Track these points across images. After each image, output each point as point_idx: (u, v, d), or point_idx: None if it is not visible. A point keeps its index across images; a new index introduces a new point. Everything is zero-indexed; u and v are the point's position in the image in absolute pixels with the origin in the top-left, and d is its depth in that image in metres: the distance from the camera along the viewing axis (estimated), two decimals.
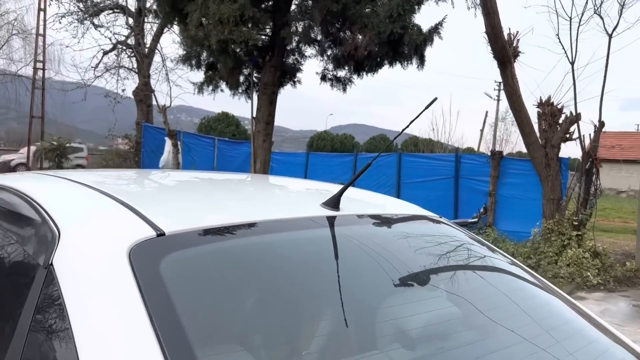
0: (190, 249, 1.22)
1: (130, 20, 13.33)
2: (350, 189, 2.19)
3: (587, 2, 8.78)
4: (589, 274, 8.24)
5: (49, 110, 17.16)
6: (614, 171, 32.67)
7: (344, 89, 8.45)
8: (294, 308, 1.34)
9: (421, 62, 7.23)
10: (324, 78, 8.38)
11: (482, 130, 17.09)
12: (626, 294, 8.00)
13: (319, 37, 7.52)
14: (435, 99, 1.56)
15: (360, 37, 6.91)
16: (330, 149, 43.71)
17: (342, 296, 1.30)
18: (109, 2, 13.30)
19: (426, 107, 1.57)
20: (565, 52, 9.20)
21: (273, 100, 7.95)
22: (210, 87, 8.28)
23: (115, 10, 13.58)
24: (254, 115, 7.96)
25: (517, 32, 9.88)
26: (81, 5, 13.49)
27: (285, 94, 8.97)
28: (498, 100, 28.77)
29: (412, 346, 1.24)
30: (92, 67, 13.40)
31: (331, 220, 1.51)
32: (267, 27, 7.14)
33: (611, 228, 16.69)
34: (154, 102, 12.47)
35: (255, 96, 8.10)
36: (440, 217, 2.02)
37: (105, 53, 13.16)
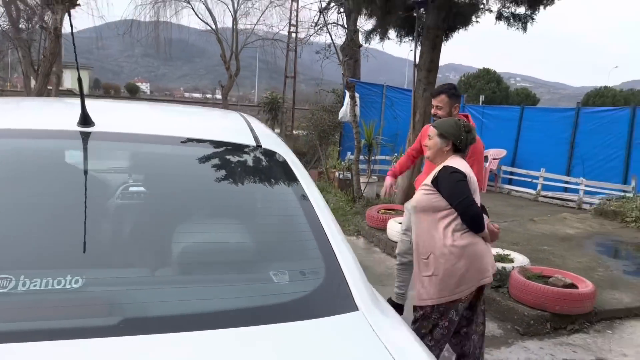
0: None
1: None
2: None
3: None
4: None
5: (302, 69, 19.22)
6: None
7: (524, 28, 7.24)
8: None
9: None
10: (499, 17, 7.34)
11: None
12: None
13: None
14: None
15: None
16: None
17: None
18: None
19: None
20: None
21: (437, 45, 7.37)
22: (378, 36, 8.21)
23: None
24: (416, 62, 7.59)
25: None
26: None
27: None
28: None
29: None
30: (311, 24, 14.63)
31: (84, 135, 1.57)
32: None
33: None
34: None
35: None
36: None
37: (322, 10, 14.02)
